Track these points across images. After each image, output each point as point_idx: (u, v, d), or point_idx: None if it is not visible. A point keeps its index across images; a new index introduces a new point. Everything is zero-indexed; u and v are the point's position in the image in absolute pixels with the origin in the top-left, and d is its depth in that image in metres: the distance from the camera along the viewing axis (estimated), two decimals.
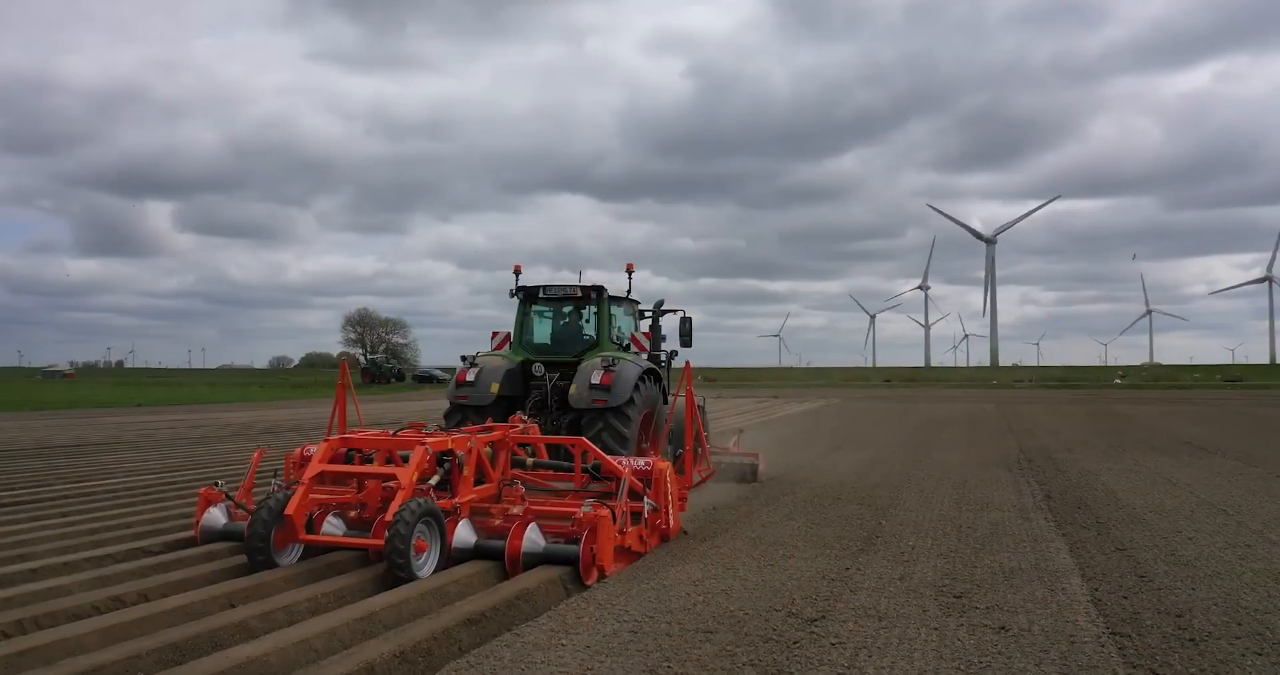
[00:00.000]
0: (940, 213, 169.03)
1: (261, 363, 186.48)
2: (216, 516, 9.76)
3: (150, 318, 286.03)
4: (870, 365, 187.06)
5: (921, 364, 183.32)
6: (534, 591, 7.84)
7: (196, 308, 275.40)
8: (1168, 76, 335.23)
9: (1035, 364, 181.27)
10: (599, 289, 14.72)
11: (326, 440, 9.98)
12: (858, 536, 10.80)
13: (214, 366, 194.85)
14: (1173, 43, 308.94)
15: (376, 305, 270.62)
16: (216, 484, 10.02)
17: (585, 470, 10.93)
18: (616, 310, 15.23)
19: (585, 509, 9.07)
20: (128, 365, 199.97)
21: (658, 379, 14.50)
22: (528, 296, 15.09)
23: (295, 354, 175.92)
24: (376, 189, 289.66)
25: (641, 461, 10.77)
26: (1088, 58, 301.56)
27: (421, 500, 8.63)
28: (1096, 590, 8.26)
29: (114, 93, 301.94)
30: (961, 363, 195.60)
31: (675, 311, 16.31)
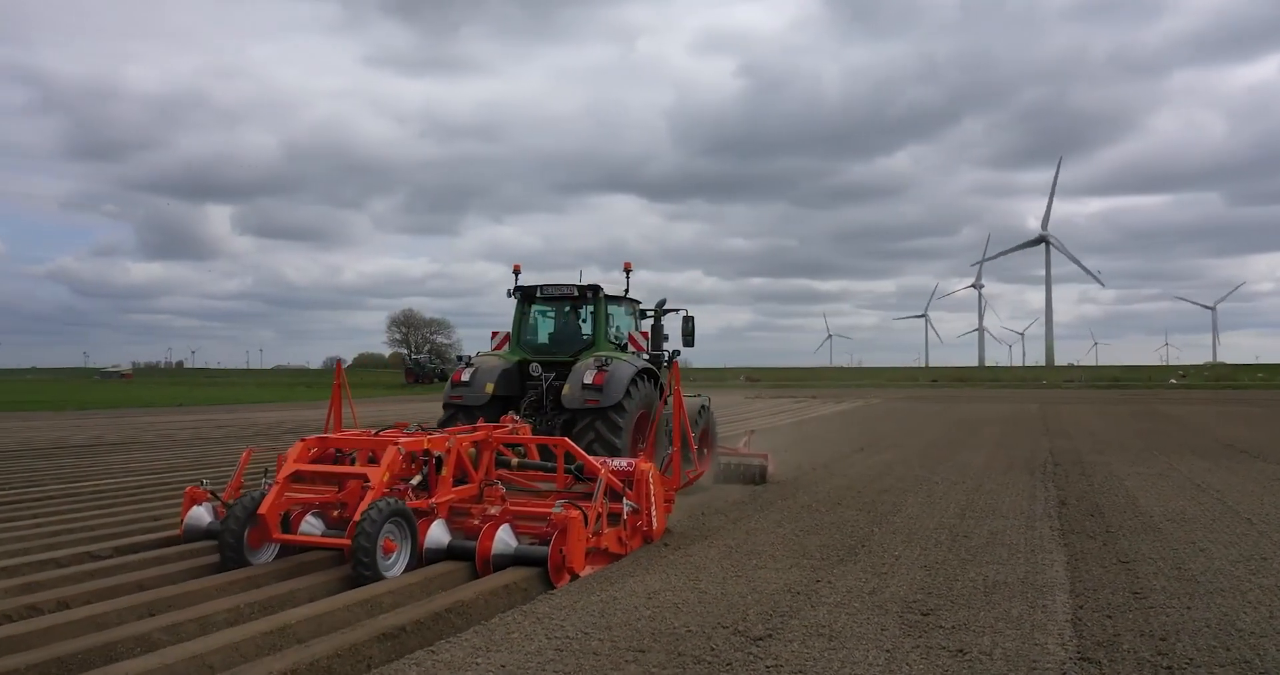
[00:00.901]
0: (1056, 178, 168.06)
1: (316, 363, 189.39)
2: (201, 515, 9.63)
3: (211, 319, 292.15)
4: (922, 365, 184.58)
5: (975, 364, 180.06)
6: (470, 603, 7.43)
7: (255, 309, 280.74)
8: (1231, 69, 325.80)
9: (1093, 364, 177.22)
10: (595, 288, 14.33)
11: (303, 440, 9.81)
12: (843, 545, 10.22)
13: (269, 367, 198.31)
14: (1236, 34, 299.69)
15: (430, 306, 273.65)
16: (202, 483, 9.90)
17: (569, 471, 10.58)
18: (615, 309, 14.84)
19: (556, 510, 8.77)
20: (188, 366, 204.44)
21: (655, 379, 14.05)
22: (525, 296, 14.76)
23: (350, 355, 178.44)
24: (430, 191, 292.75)
25: (623, 462, 10.38)
26: (1148, 50, 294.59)
27: (390, 500, 8.43)
28: (1081, 608, 7.61)
29: (175, 99, 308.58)
30: (1017, 362, 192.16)
31: (678, 310, 15.88)
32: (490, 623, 7.13)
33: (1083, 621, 7.21)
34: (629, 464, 10.27)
